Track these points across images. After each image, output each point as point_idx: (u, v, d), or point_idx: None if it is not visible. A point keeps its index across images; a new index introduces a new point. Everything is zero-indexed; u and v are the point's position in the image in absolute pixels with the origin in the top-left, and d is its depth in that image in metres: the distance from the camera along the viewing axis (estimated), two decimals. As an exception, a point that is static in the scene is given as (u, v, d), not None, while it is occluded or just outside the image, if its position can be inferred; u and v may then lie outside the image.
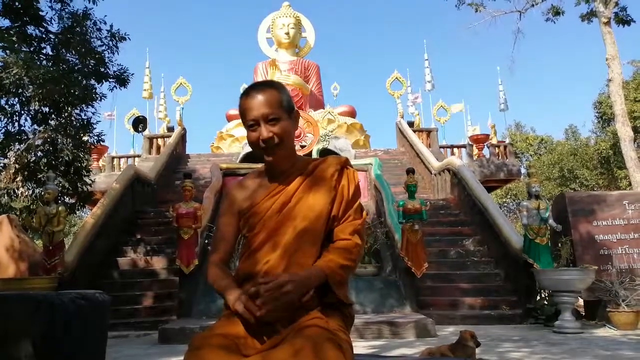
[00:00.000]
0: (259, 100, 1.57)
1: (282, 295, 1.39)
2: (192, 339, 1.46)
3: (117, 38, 8.75)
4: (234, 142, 16.92)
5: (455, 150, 16.37)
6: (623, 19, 13.10)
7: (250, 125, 1.59)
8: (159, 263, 9.46)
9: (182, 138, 16.62)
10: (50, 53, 8.61)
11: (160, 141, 16.47)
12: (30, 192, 8.55)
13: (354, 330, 1.92)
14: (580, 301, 7.91)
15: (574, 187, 24.94)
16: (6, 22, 8.37)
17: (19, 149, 8.07)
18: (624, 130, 11.98)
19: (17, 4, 8.11)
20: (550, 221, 7.58)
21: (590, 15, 13.60)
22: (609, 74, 12.36)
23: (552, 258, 7.51)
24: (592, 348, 5.31)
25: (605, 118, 23.37)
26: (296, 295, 1.42)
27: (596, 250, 7.78)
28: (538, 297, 8.00)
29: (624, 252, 7.73)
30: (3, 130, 8.16)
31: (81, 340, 2.12)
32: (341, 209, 1.63)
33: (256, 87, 1.62)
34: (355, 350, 1.56)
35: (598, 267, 7.38)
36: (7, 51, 7.35)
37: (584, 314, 7.93)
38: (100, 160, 15.73)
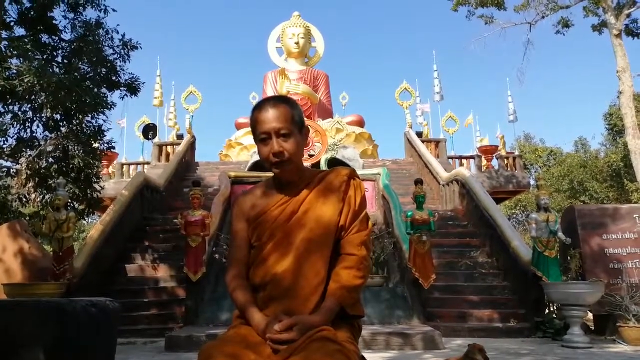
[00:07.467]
0: (272, 114, 1.60)
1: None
2: (203, 347, 1.48)
3: (128, 47, 8.84)
4: (243, 151, 16.98)
5: (464, 161, 16.32)
6: (633, 32, 13.06)
7: (262, 138, 1.61)
8: (166, 270, 9.48)
9: (191, 146, 16.71)
10: (63, 61, 8.72)
11: (169, 149, 16.56)
12: (41, 197, 8.62)
13: (360, 341, 1.93)
14: (590, 315, 7.82)
15: (584, 199, 24.72)
16: (21, 31, 8.50)
17: (30, 155, 8.16)
18: (634, 143, 11.88)
19: (32, 13, 8.24)
20: (560, 234, 7.52)
21: (601, 26, 13.55)
22: (620, 86, 12.29)
23: (561, 271, 7.44)
24: (602, 363, 5.25)
25: (616, 130, 23.19)
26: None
27: (606, 263, 7.70)
28: (547, 311, 7.92)
29: (634, 266, 7.64)
30: (15, 137, 8.26)
31: (91, 347, 2.14)
32: (348, 219, 1.65)
33: (269, 101, 1.65)
34: (363, 362, 1.56)
35: (608, 280, 7.32)
36: (21, 59, 7.46)
37: (593, 328, 7.84)
38: (110, 166, 15.84)
